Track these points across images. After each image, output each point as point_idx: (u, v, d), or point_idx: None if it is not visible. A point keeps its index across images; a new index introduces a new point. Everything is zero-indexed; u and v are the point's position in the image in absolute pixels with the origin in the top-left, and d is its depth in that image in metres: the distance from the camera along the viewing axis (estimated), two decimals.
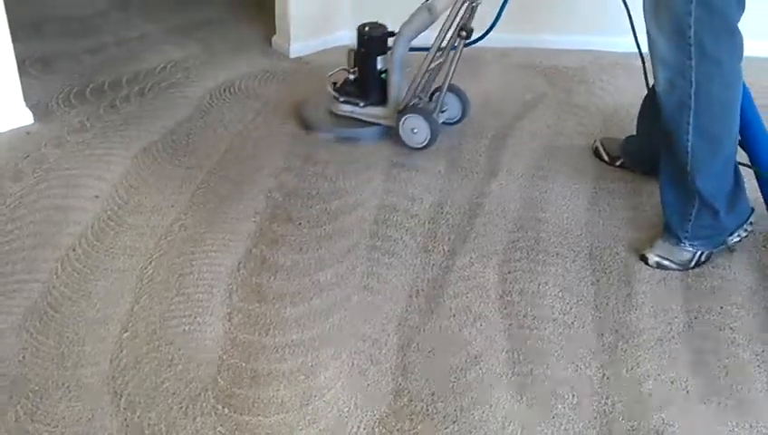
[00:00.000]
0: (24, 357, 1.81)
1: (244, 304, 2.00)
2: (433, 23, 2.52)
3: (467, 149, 2.68)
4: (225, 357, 1.83)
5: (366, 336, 1.90)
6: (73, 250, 2.16)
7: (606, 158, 2.56)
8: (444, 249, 2.19)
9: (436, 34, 2.54)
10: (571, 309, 1.98)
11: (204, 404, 1.71)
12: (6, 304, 1.97)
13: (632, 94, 2.80)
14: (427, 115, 2.59)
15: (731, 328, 1.92)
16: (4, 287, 2.02)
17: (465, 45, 2.58)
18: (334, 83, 2.73)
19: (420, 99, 2.65)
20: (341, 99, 2.72)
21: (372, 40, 2.62)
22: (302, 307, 1.99)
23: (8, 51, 2.69)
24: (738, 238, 2.09)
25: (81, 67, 3.22)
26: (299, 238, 2.24)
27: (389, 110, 2.66)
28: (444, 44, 2.57)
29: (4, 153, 2.62)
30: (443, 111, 2.70)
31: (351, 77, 2.70)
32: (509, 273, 2.11)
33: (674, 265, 2.09)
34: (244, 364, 1.82)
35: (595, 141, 2.62)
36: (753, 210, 2.11)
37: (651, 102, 2.20)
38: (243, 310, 1.98)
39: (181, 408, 1.70)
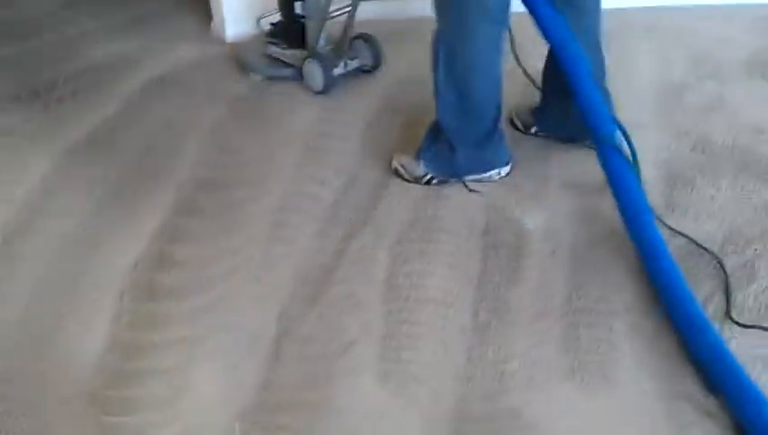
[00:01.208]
0: None
1: (133, 303, 2.03)
2: None
3: (383, 128, 2.65)
4: (106, 358, 1.87)
5: (246, 329, 1.92)
6: None
7: (520, 126, 2.52)
8: (340, 234, 2.19)
9: None
10: (453, 289, 1.96)
11: (77, 407, 1.75)
12: None
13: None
14: (322, 62, 2.75)
15: (609, 300, 1.88)
16: None
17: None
18: (272, 24, 2.94)
19: (334, 46, 2.82)
20: (270, 40, 2.96)
21: None
22: (190, 303, 2.02)
23: None
24: (474, 180, 2.27)
25: (20, 69, 3.27)
26: (200, 232, 2.26)
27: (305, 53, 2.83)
28: None
29: None
30: (352, 59, 2.85)
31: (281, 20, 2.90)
32: (400, 254, 2.10)
33: (407, 176, 2.31)
34: (123, 365, 1.85)
35: (510, 111, 2.57)
36: (507, 164, 2.28)
37: (551, 63, 2.20)
38: (131, 310, 2.01)
39: (56, 412, 1.75)
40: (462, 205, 2.25)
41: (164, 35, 3.47)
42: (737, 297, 1.84)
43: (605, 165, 2.00)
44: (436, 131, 2.25)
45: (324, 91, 2.79)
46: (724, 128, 2.49)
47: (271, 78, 2.97)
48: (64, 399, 1.77)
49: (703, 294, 1.85)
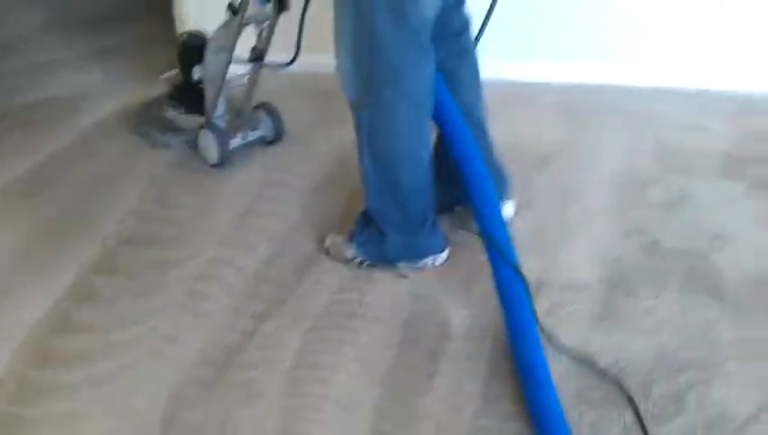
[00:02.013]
0: None
1: (23, 368, 1.91)
2: (236, 37, 2.53)
3: (326, 198, 2.53)
4: None
5: (130, 410, 1.80)
6: None
7: None
8: (257, 310, 2.07)
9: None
10: (358, 390, 1.83)
11: None
12: None
13: None
14: (217, 133, 2.60)
15: (519, 419, 1.74)
16: None
17: (264, 67, 2.62)
18: (174, 86, 2.76)
19: (231, 115, 2.69)
20: (169, 103, 2.79)
21: (188, 49, 2.65)
22: (80, 374, 1.90)
23: None
24: (405, 267, 2.14)
25: None
26: (113, 293, 2.15)
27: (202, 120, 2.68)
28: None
29: None
30: (254, 130, 2.71)
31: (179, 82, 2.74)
32: (312, 342, 1.97)
33: (337, 257, 2.20)
34: None
35: None
36: (441, 252, 2.15)
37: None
38: (19, 376, 1.89)
39: None
40: (389, 291, 2.13)
41: (130, 70, 3.39)
42: (659, 433, 1.69)
43: (494, 272, 1.88)
44: (367, 215, 2.14)
45: (219, 165, 2.63)
46: (681, 230, 2.35)
47: (161, 146, 2.78)
48: None
49: (619, 426, 1.70)
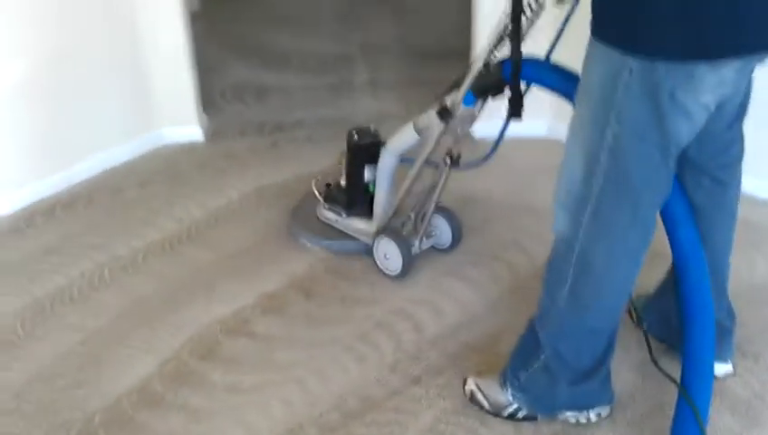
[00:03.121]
0: None
1: (188, 356, 2.07)
2: (419, 141, 2.21)
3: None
4: None
5: (250, 427, 1.84)
6: None
7: (633, 316, 2.07)
8: (412, 374, 2.00)
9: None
10: None
11: None
12: None
13: None
14: (401, 241, 2.29)
15: None
16: None
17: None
18: (327, 185, 2.52)
19: (408, 220, 2.36)
20: (326, 205, 2.51)
21: (360, 147, 2.37)
22: (231, 377, 2.01)
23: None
24: (574, 420, 1.82)
25: (286, 102, 3.52)
26: (298, 312, 2.24)
27: (373, 226, 2.39)
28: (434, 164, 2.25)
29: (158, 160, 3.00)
30: (429, 237, 2.40)
31: (341, 182, 2.46)
32: (444, 425, 1.85)
33: (486, 404, 1.85)
34: None
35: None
36: (609, 404, 1.83)
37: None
38: (181, 362, 2.06)
39: None
40: None
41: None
42: None
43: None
44: (528, 353, 1.79)
45: (402, 275, 2.32)
46: None
47: (332, 251, 2.48)
48: None
49: None
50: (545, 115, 3.07)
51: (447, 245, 2.45)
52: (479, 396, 1.87)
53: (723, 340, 1.87)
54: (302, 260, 2.45)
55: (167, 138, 3.25)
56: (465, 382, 1.91)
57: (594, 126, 1.51)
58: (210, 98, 3.50)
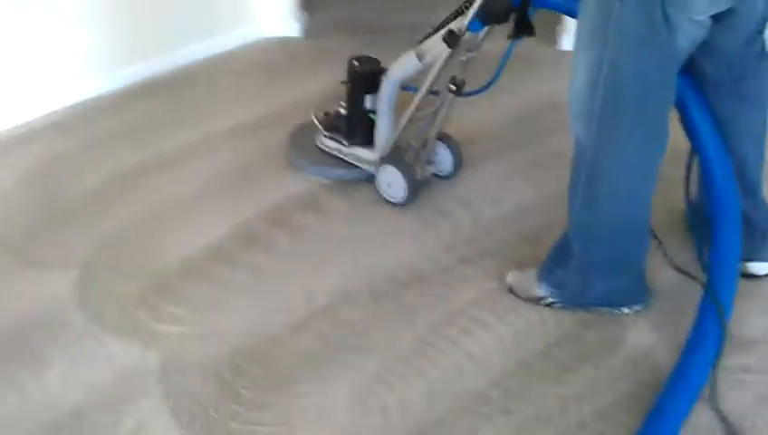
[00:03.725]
0: None
1: (231, 245, 2.19)
2: (423, 69, 2.18)
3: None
4: None
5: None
6: None
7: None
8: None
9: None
10: None
11: None
12: None
13: None
14: (404, 168, 2.27)
15: None
16: None
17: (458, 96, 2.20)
18: (326, 113, 2.48)
19: (410, 147, 2.33)
20: (327, 134, 2.46)
21: (360, 76, 2.33)
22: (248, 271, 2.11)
23: None
24: (608, 311, 1.91)
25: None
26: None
27: (375, 154, 2.37)
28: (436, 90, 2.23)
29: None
30: (429, 163, 2.38)
31: (342, 111, 2.42)
32: None
33: (522, 295, 1.96)
34: None
35: None
36: (642, 302, 1.91)
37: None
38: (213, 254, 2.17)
39: None
40: None
41: None
42: None
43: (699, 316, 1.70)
44: (564, 252, 1.89)
45: (407, 202, 2.29)
46: None
47: (335, 179, 2.44)
48: None
49: None
50: None
51: (449, 172, 2.44)
52: (517, 289, 1.98)
53: (760, 239, 1.91)
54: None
55: (266, 32, 3.40)
56: (506, 277, 2.01)
57: (594, 39, 1.58)
58: None
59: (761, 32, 1.71)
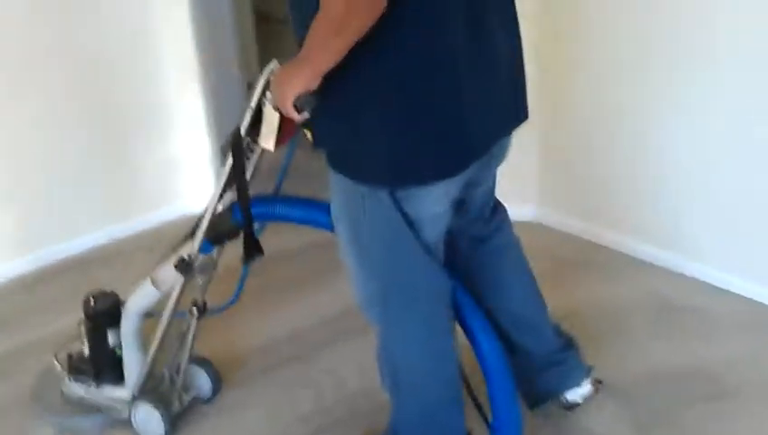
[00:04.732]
0: None
1: None
2: (162, 296, 2.08)
3: None
4: None
5: None
6: None
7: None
8: None
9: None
10: None
11: None
12: None
13: None
14: (159, 403, 2.12)
15: None
16: None
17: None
18: (69, 356, 2.25)
19: (164, 376, 2.18)
20: (72, 377, 2.24)
21: (99, 312, 2.17)
22: None
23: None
24: None
25: None
26: None
27: (127, 391, 2.17)
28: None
29: None
30: (187, 390, 2.22)
31: (85, 351, 2.21)
32: None
33: None
34: None
35: None
36: None
37: None
38: None
39: None
40: None
41: None
42: None
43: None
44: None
45: None
46: None
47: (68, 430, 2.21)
48: None
49: None
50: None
51: (209, 395, 2.28)
52: None
53: (561, 369, 1.97)
54: None
55: None
56: None
57: (355, 242, 1.65)
58: None
59: (491, 194, 1.86)
